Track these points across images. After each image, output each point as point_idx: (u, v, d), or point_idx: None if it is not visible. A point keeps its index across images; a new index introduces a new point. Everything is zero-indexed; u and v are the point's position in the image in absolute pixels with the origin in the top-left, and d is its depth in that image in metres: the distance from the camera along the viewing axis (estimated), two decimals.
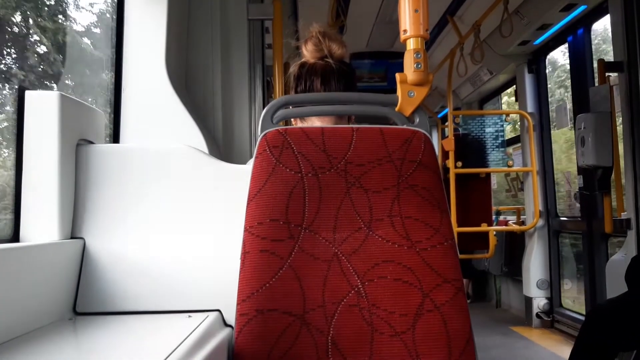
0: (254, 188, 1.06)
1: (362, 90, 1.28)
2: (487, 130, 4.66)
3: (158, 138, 1.43)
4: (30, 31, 1.42)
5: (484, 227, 4.29)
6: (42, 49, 1.49)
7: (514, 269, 4.75)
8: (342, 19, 3.98)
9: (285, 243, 1.04)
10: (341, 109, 1.30)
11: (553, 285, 4.30)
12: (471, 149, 4.61)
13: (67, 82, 1.62)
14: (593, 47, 3.74)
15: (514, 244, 4.76)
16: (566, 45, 3.97)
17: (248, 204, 1.06)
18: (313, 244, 1.05)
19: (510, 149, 5.00)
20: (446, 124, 4.63)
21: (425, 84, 1.16)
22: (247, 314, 1.00)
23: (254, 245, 1.03)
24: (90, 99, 1.80)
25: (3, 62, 1.36)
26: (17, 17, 1.42)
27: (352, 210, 1.07)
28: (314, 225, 1.06)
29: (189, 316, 1.09)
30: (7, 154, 1.25)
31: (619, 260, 3.00)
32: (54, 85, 1.55)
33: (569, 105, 4.08)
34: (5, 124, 1.28)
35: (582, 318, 3.62)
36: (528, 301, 4.38)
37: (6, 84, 1.34)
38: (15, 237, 1.08)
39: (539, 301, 4.30)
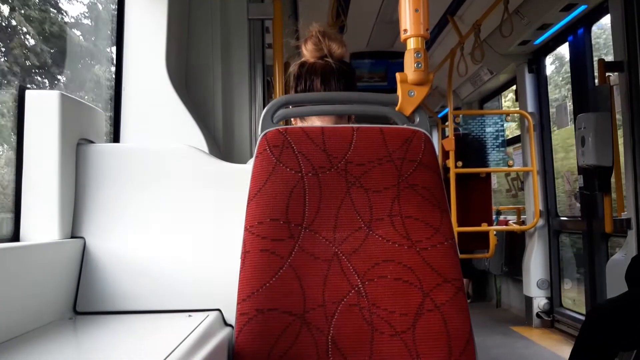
0: (254, 187, 1.06)
1: (362, 90, 1.28)
2: (488, 130, 4.65)
3: (158, 138, 1.43)
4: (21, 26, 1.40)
5: (484, 227, 4.29)
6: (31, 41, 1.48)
7: (514, 269, 4.75)
8: (342, 18, 3.98)
9: (285, 242, 1.04)
10: (341, 108, 1.30)
11: (553, 285, 4.30)
12: (471, 149, 4.61)
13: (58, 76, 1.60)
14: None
15: (514, 244, 4.76)
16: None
17: (248, 203, 1.06)
18: (313, 243, 1.05)
19: (510, 149, 5.00)
20: (446, 123, 4.63)
21: (426, 84, 1.16)
22: (247, 314, 1.00)
23: (254, 245, 1.03)
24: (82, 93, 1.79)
25: None
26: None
27: (352, 210, 1.07)
28: (314, 224, 1.06)
29: (189, 316, 1.09)
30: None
31: (619, 260, 3.00)
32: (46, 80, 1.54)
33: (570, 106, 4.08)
34: None
35: (583, 318, 3.61)
36: (528, 301, 4.38)
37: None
38: (15, 236, 1.08)
39: (539, 301, 4.30)
